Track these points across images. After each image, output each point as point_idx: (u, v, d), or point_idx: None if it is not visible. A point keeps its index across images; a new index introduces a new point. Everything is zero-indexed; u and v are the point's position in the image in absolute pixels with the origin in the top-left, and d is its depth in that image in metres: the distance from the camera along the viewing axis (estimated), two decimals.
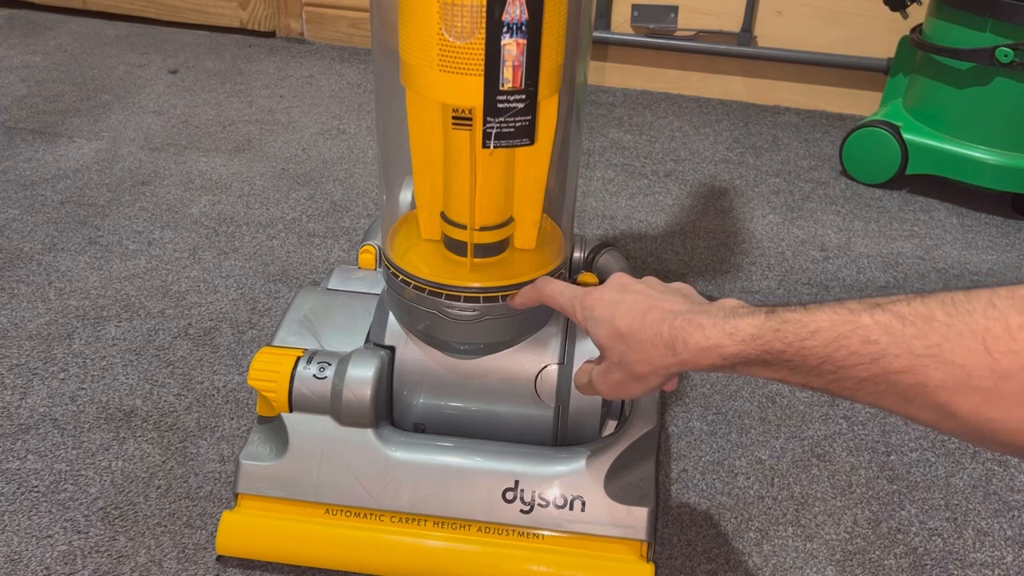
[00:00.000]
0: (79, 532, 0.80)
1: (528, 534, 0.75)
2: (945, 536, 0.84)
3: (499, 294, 0.75)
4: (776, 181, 1.51)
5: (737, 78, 1.83)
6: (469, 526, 0.76)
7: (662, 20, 1.78)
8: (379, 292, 0.86)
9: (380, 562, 0.76)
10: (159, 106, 1.66)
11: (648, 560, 0.75)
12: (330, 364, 0.77)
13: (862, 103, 1.78)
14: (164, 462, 0.88)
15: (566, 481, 0.75)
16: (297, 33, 2.05)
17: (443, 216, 0.76)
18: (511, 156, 0.73)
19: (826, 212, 1.42)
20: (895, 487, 0.90)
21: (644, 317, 0.58)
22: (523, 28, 0.62)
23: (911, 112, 1.51)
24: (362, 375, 0.76)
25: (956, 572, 0.81)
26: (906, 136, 1.46)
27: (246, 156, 1.50)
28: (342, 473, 0.76)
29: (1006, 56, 1.31)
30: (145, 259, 1.20)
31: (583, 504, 0.75)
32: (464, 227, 0.75)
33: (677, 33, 1.79)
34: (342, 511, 0.76)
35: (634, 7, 1.78)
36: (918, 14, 1.53)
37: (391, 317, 0.81)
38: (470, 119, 0.67)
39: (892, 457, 0.94)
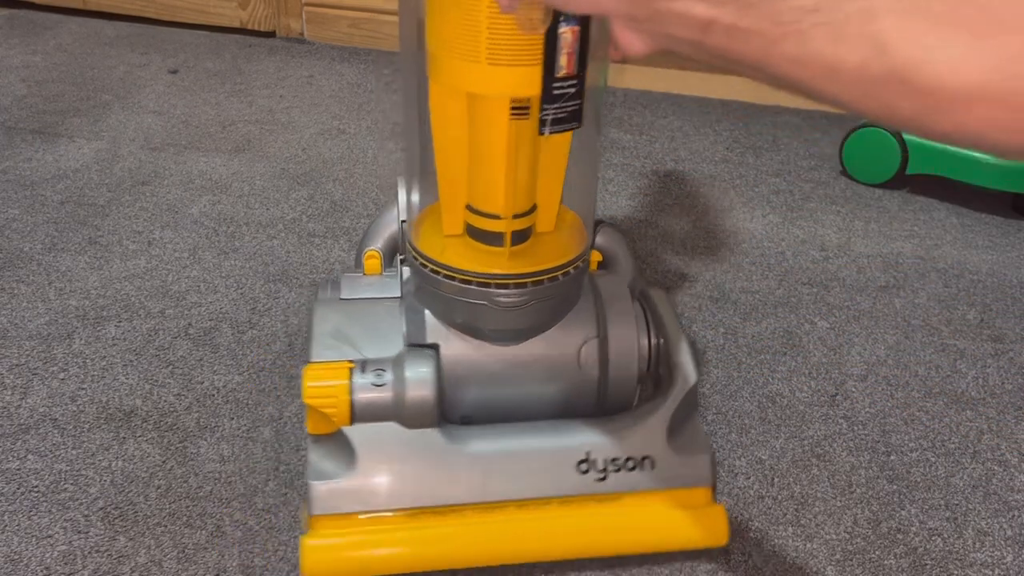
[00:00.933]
0: (79, 532, 0.80)
1: (606, 500, 0.78)
2: (945, 536, 0.84)
3: (544, 277, 0.77)
4: (776, 181, 1.51)
5: (737, 78, 1.83)
6: (550, 503, 0.77)
7: None
8: (396, 295, 0.86)
9: (471, 555, 0.77)
10: (159, 106, 1.66)
11: (715, 502, 0.79)
12: (385, 370, 0.77)
13: None
14: (164, 462, 0.88)
15: (633, 444, 0.79)
16: (297, 33, 2.05)
17: (472, 209, 0.78)
18: (542, 142, 0.75)
19: (826, 212, 1.42)
20: (895, 487, 0.90)
21: None
22: (577, 16, 0.65)
23: None
24: (422, 375, 0.76)
25: (956, 572, 0.81)
26: (906, 136, 1.45)
27: (246, 156, 1.50)
28: (417, 476, 0.76)
29: None
30: (145, 259, 1.20)
31: (652, 462, 0.79)
32: (497, 217, 0.76)
33: None
34: (423, 513, 0.76)
35: None
36: None
37: (428, 315, 0.82)
38: (528, 108, 0.69)
39: (892, 457, 0.94)
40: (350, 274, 0.90)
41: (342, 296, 0.86)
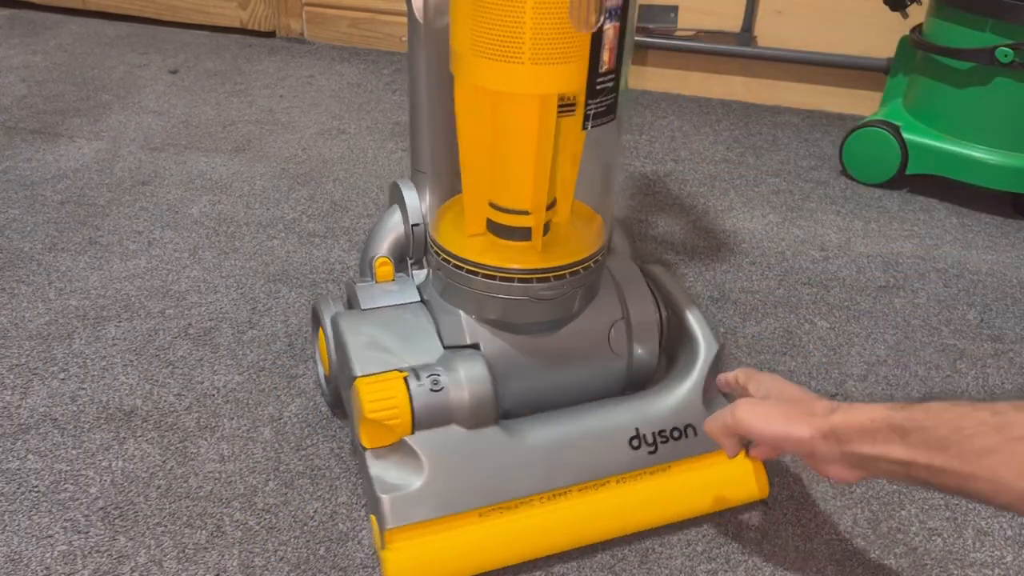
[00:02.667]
0: (79, 532, 0.80)
1: (658, 471, 0.82)
2: (945, 536, 0.84)
3: (580, 267, 0.80)
4: (776, 181, 1.51)
5: (737, 78, 1.83)
6: (607, 482, 0.81)
7: (662, 20, 1.78)
8: (416, 299, 0.86)
9: (545, 544, 0.78)
10: (159, 106, 1.66)
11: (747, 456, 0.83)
12: (440, 374, 0.77)
13: (862, 103, 1.78)
14: (164, 462, 0.88)
15: (676, 414, 0.83)
16: (297, 33, 2.05)
17: (496, 206, 0.78)
18: (572, 135, 0.76)
19: (826, 212, 1.42)
20: (895, 487, 0.90)
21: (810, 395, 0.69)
22: (618, 12, 0.66)
23: (911, 112, 1.51)
24: (478, 374, 0.77)
25: (956, 572, 0.81)
26: (906, 136, 1.45)
27: (246, 156, 1.50)
28: (485, 474, 0.77)
29: (1006, 56, 1.31)
30: (145, 259, 1.20)
31: (694, 430, 0.83)
32: (524, 213, 0.77)
33: (677, 33, 1.79)
34: (493, 510, 0.77)
35: None
36: (918, 14, 1.53)
37: (463, 315, 0.82)
38: (575, 105, 0.70)
39: None
40: (362, 283, 0.89)
41: (363, 307, 0.86)
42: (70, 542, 0.79)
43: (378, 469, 0.77)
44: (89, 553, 0.78)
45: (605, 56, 0.68)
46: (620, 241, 0.98)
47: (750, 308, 1.17)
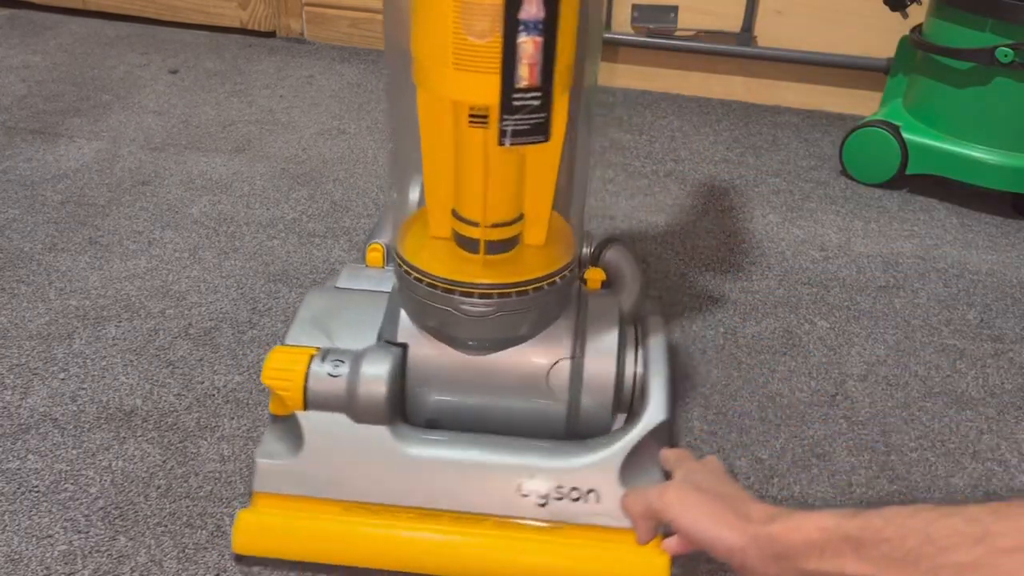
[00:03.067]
0: (79, 532, 0.80)
1: (545, 527, 0.76)
2: None
3: (512, 291, 0.76)
4: (776, 181, 1.51)
5: (737, 78, 1.83)
6: (485, 520, 0.76)
7: (662, 20, 1.78)
8: (388, 290, 0.86)
9: (397, 558, 0.77)
10: (159, 106, 1.66)
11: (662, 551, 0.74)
12: (344, 362, 0.77)
13: (862, 103, 1.78)
14: (164, 462, 0.88)
15: (581, 474, 0.76)
16: (297, 33, 2.05)
17: (454, 213, 0.77)
18: (523, 153, 0.73)
19: (826, 212, 1.42)
20: (895, 487, 0.90)
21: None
22: (539, 26, 0.62)
23: (911, 112, 1.51)
24: (376, 372, 0.77)
25: None
26: (906, 136, 1.45)
27: (246, 156, 1.50)
28: (358, 470, 0.77)
29: (1006, 56, 1.31)
30: (145, 259, 1.20)
31: (598, 496, 0.75)
32: (476, 224, 0.75)
33: (677, 33, 1.79)
34: (358, 508, 0.77)
35: (634, 7, 1.78)
36: (918, 14, 1.53)
37: (403, 315, 0.82)
38: (486, 117, 0.67)
39: (892, 457, 0.94)
40: (353, 265, 0.90)
41: (338, 284, 0.87)
42: (70, 542, 0.79)
43: (270, 435, 0.80)
44: (89, 553, 0.78)
45: (523, 72, 0.63)
46: (630, 281, 0.90)
47: (750, 308, 1.17)
